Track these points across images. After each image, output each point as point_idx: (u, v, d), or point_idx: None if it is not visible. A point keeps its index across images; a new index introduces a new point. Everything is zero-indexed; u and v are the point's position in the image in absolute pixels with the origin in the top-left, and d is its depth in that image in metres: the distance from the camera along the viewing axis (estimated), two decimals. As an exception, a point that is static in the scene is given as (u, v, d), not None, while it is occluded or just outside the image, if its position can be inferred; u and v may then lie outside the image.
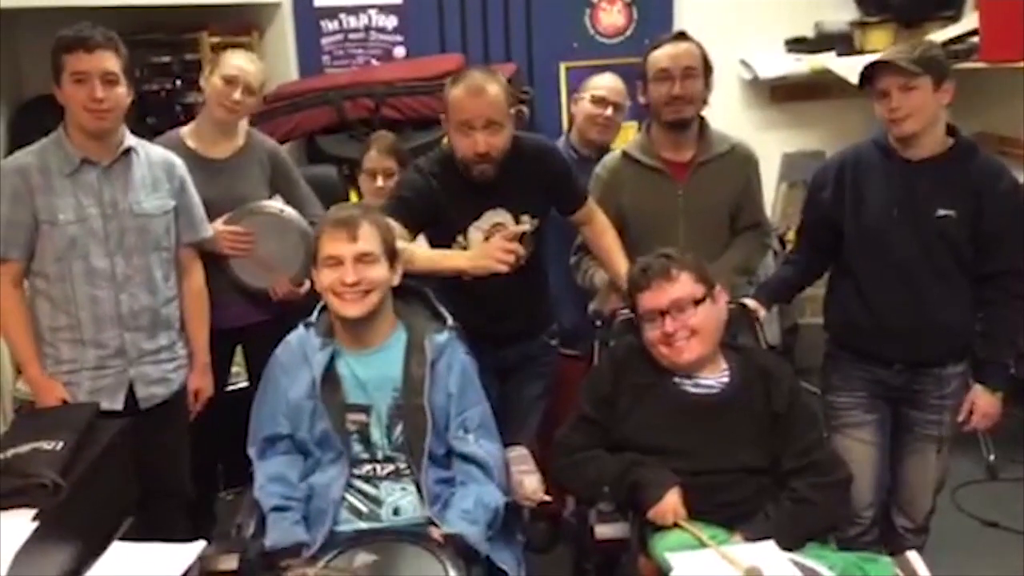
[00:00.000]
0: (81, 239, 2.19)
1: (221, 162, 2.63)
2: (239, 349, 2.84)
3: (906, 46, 2.19)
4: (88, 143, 2.20)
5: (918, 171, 2.20)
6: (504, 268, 2.11)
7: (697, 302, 2.03)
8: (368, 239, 1.98)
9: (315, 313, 2.13)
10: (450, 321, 2.12)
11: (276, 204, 2.72)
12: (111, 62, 2.15)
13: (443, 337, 2.07)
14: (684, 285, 2.03)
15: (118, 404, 2.26)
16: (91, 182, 2.20)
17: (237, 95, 2.57)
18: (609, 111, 2.88)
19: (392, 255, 2.03)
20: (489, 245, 2.17)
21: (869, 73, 2.15)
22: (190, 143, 2.62)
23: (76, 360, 2.24)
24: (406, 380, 2.01)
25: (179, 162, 2.39)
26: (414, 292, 2.18)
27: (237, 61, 2.61)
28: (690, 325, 2.01)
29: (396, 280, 2.05)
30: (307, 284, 2.71)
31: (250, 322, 2.69)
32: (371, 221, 2.01)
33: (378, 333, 2.05)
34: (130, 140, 2.28)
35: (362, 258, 1.96)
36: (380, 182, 2.74)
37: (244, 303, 2.69)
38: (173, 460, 2.42)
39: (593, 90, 2.93)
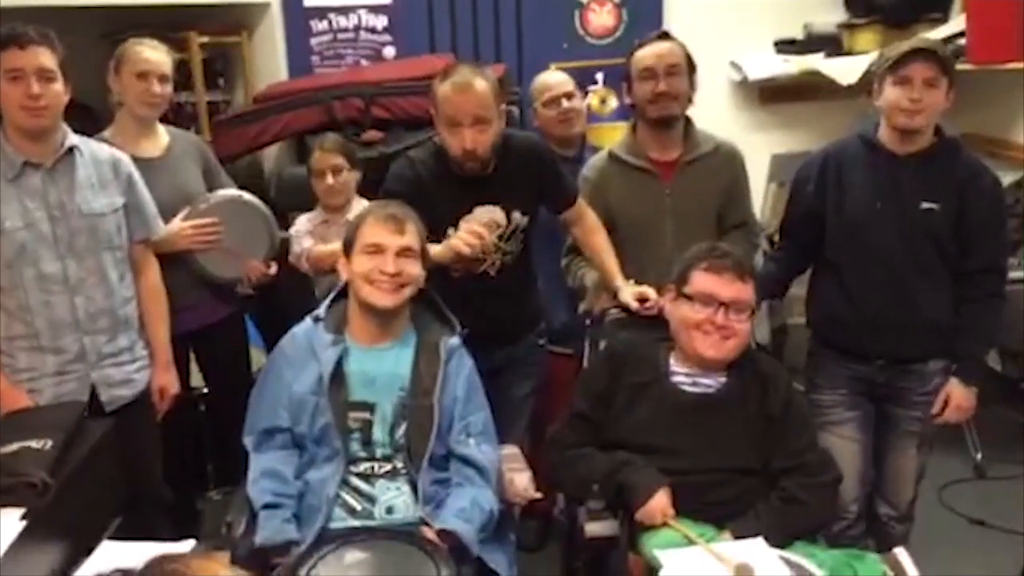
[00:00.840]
0: (30, 245, 2.11)
1: (156, 160, 2.57)
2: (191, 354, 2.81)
3: (932, 41, 2.18)
4: (28, 145, 2.12)
5: (903, 165, 2.22)
6: (467, 251, 2.12)
7: (751, 312, 2.04)
8: (412, 235, 2.02)
9: (324, 307, 2.13)
10: (459, 327, 2.13)
11: (232, 191, 2.72)
12: (46, 58, 2.08)
13: (455, 341, 2.09)
14: (750, 290, 2.03)
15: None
16: (35, 185, 2.13)
17: (156, 88, 2.53)
18: (564, 103, 2.90)
19: (425, 259, 2.06)
20: (460, 231, 2.17)
21: (902, 57, 2.14)
22: (117, 145, 2.46)
23: (35, 368, 2.18)
24: (415, 380, 2.02)
25: (125, 158, 2.32)
26: (423, 296, 2.18)
27: (145, 55, 2.54)
28: (735, 328, 2.00)
29: (421, 283, 2.07)
30: (275, 266, 2.72)
31: (204, 323, 2.66)
32: (414, 221, 2.05)
33: (395, 329, 2.07)
34: (72, 139, 2.20)
35: (404, 252, 2.00)
36: (330, 179, 2.75)
37: (207, 302, 2.67)
38: (144, 462, 2.36)
39: (539, 98, 2.95)
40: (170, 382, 2.44)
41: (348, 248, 2.06)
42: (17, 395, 2.16)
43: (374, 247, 2.00)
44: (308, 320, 2.11)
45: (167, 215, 2.50)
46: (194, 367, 2.86)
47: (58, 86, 2.11)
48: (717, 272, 2.02)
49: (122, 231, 2.29)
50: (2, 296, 2.14)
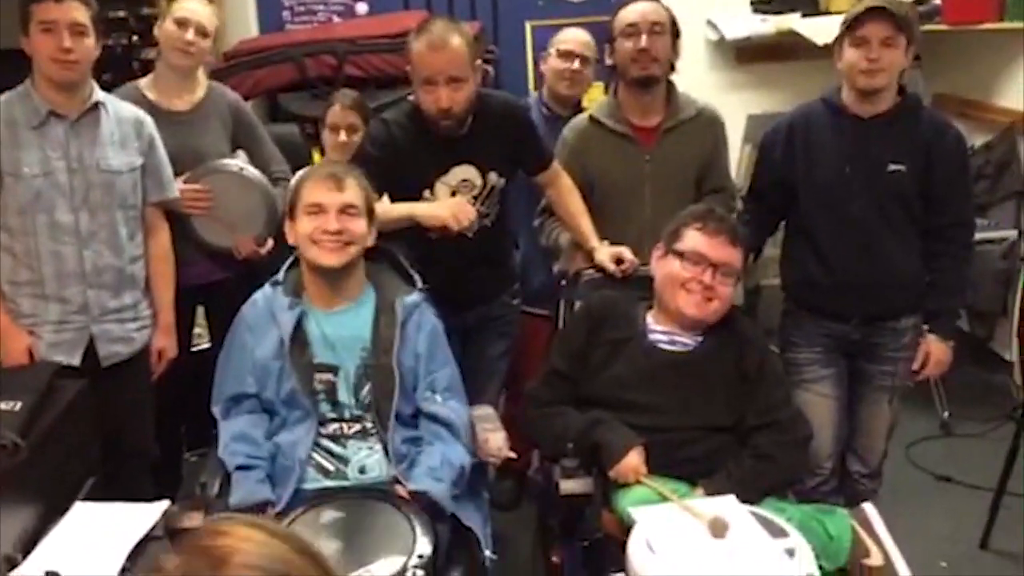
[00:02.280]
0: (46, 193, 2.15)
1: (181, 115, 2.58)
2: (201, 310, 2.82)
3: (890, 0, 2.19)
4: (55, 96, 2.17)
5: (868, 127, 2.23)
6: (455, 227, 2.12)
7: (737, 279, 2.05)
8: (353, 192, 1.99)
9: (282, 272, 2.11)
10: (420, 283, 2.12)
11: (236, 162, 2.67)
12: (80, 13, 2.12)
13: (413, 298, 2.07)
14: (739, 256, 2.05)
15: (75, 360, 2.23)
16: (58, 136, 2.17)
17: (190, 35, 2.51)
18: (576, 64, 2.86)
19: (371, 214, 2.03)
20: (452, 201, 2.16)
21: (857, 18, 2.14)
22: (150, 95, 2.56)
23: (37, 315, 2.21)
24: (375, 340, 2.01)
25: (148, 120, 2.35)
26: (383, 253, 2.17)
27: (186, 4, 2.55)
28: (720, 291, 2.01)
29: (371, 240, 2.05)
30: (269, 243, 2.69)
31: (213, 280, 2.66)
32: (355, 177, 2.02)
33: (349, 290, 2.05)
34: (99, 95, 2.24)
35: (346, 209, 1.97)
36: (343, 137, 2.72)
37: (204, 262, 2.65)
38: (136, 419, 2.40)
39: (559, 44, 2.91)
40: (170, 345, 2.46)
41: (292, 210, 2.03)
42: (18, 334, 2.20)
43: (315, 207, 1.97)
44: (267, 285, 2.10)
45: (174, 171, 2.48)
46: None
47: (89, 41, 2.16)
48: (711, 234, 2.03)
49: (137, 191, 2.32)
50: (12, 240, 2.18)
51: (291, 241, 2.05)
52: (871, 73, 2.15)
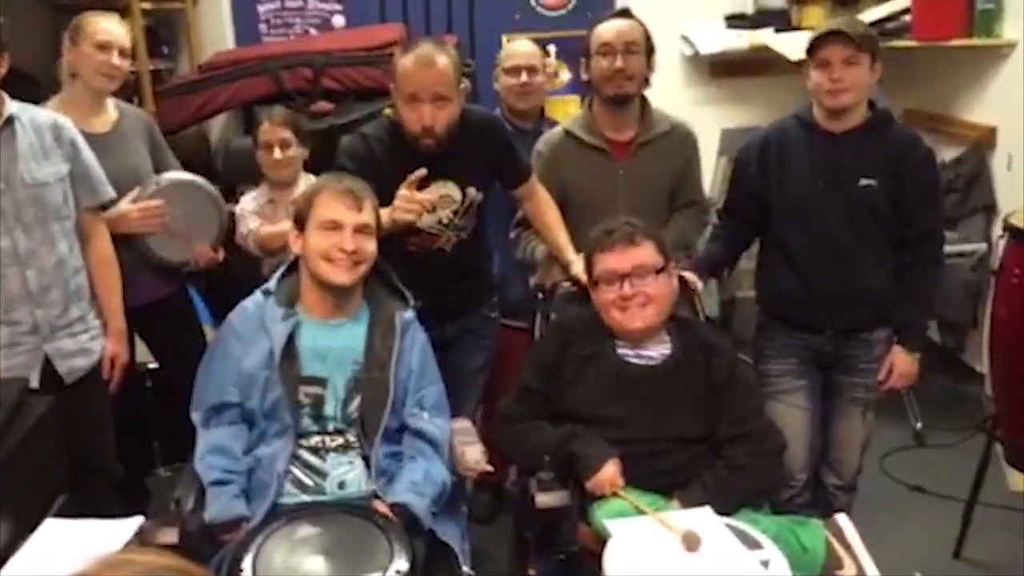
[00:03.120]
0: None
1: (103, 136, 2.50)
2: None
3: (848, 20, 2.24)
4: None
5: (840, 143, 2.27)
6: (410, 218, 2.11)
7: (657, 272, 2.05)
8: (369, 212, 2.01)
9: (274, 281, 2.10)
10: (412, 300, 2.12)
11: (184, 173, 2.66)
12: None
13: (409, 315, 2.08)
14: (647, 252, 2.06)
15: (34, 381, 2.17)
16: None
17: (116, 60, 2.47)
18: (524, 76, 2.88)
19: (379, 234, 2.04)
20: (395, 204, 2.14)
21: (816, 41, 2.19)
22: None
23: None
24: (368, 353, 2.01)
25: (67, 123, 2.25)
26: (375, 270, 2.16)
27: (106, 25, 2.48)
28: (647, 293, 2.03)
29: (375, 258, 2.06)
30: (222, 251, 2.69)
31: (145, 302, 2.61)
32: (371, 196, 2.03)
33: (350, 305, 2.05)
34: (11, 107, 2.14)
35: (362, 229, 1.98)
36: (278, 154, 2.71)
37: (154, 280, 2.63)
38: (97, 436, 2.35)
39: (504, 63, 2.93)
40: (122, 351, 2.40)
41: (301, 222, 2.02)
42: None
43: (332, 223, 1.97)
44: (258, 294, 2.08)
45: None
46: (141, 346, 2.81)
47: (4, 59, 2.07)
48: (609, 248, 2.06)
49: (69, 200, 2.24)
50: None
51: (296, 251, 2.04)
52: (835, 93, 2.19)
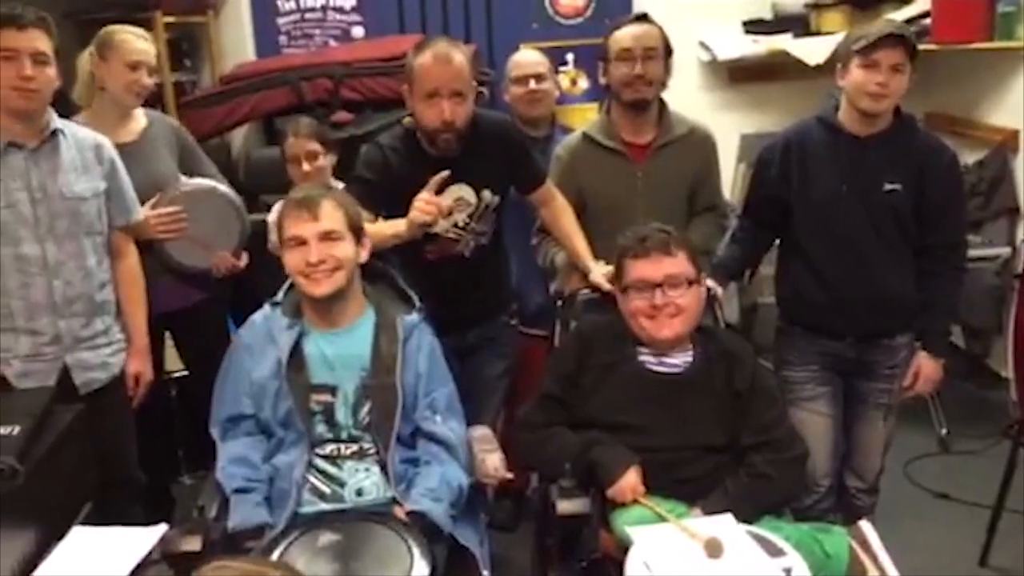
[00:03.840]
0: (10, 225, 2.11)
1: (130, 146, 2.53)
2: (168, 335, 2.80)
3: (899, 25, 2.19)
4: (14, 125, 2.12)
5: (864, 147, 2.25)
6: (426, 219, 2.11)
7: (689, 283, 2.05)
8: (330, 217, 1.97)
9: (280, 292, 2.12)
10: (418, 303, 2.12)
11: (206, 180, 2.68)
12: (42, 42, 2.09)
13: (414, 318, 2.08)
14: (681, 262, 2.05)
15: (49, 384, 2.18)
16: (18, 166, 2.12)
17: (146, 80, 2.52)
18: (532, 84, 2.89)
19: (358, 232, 2.03)
20: (414, 202, 2.14)
21: (874, 42, 2.13)
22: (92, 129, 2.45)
23: (9, 349, 2.17)
24: (375, 359, 2.01)
25: (107, 143, 2.31)
26: (381, 273, 2.18)
27: (139, 45, 2.53)
28: (678, 304, 2.02)
29: (364, 257, 2.05)
30: (245, 258, 2.70)
31: (182, 306, 2.65)
32: (333, 199, 2.01)
33: (347, 313, 2.05)
34: (57, 122, 2.20)
35: (326, 236, 1.96)
36: (306, 166, 2.72)
37: (178, 286, 2.64)
38: (118, 446, 2.36)
39: (511, 73, 2.95)
40: (145, 369, 2.43)
41: (280, 242, 2.03)
42: None
43: (295, 239, 1.97)
44: (267, 306, 2.10)
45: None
46: (170, 353, 2.85)
47: (51, 70, 2.12)
48: (643, 255, 2.05)
49: (102, 216, 2.28)
50: None
51: (287, 271, 2.05)
52: (878, 97, 2.16)
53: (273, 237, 2.69)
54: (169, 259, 2.59)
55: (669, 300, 2.02)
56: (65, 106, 2.43)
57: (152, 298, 2.47)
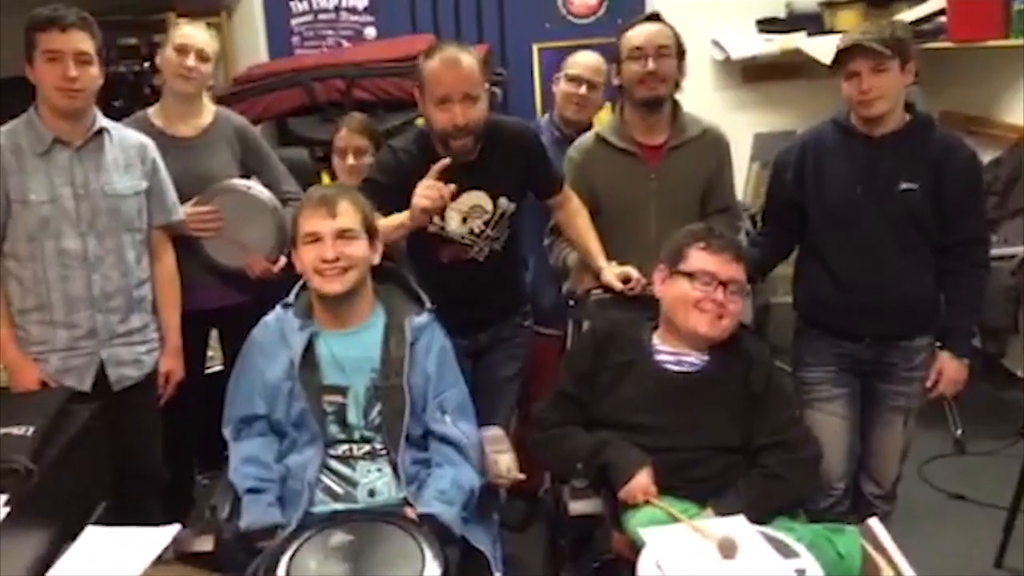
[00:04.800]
0: (53, 219, 2.18)
1: (188, 140, 2.61)
2: (215, 333, 2.83)
3: (874, 26, 2.20)
4: (59, 123, 2.20)
5: (879, 147, 2.23)
6: (428, 203, 2.09)
7: (744, 295, 2.06)
8: (347, 215, 1.98)
9: (293, 294, 2.13)
10: (428, 304, 2.12)
11: (243, 182, 2.69)
12: (85, 42, 2.15)
13: (423, 319, 2.08)
14: (743, 271, 2.06)
15: (86, 385, 2.25)
16: (63, 162, 2.20)
17: (191, 61, 2.56)
18: (583, 89, 2.89)
19: (372, 233, 2.03)
20: (417, 188, 2.12)
21: (841, 55, 2.17)
22: (157, 122, 2.61)
23: (47, 341, 2.23)
24: (385, 361, 2.01)
25: (151, 144, 2.38)
26: (392, 274, 2.18)
27: (186, 30, 2.61)
28: (730, 309, 2.03)
29: (376, 258, 2.05)
30: (282, 261, 2.70)
31: (226, 304, 2.67)
32: (350, 198, 2.02)
33: (358, 312, 2.05)
34: (102, 121, 2.27)
35: (342, 234, 1.97)
36: (352, 160, 2.73)
37: (220, 285, 2.67)
38: (146, 443, 2.41)
39: (568, 68, 2.94)
40: (177, 368, 2.47)
41: (295, 240, 2.04)
42: (30, 368, 2.22)
43: (311, 236, 1.98)
44: (279, 307, 2.11)
45: (183, 196, 2.51)
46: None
47: (94, 70, 2.19)
48: (716, 251, 2.04)
49: (143, 214, 2.34)
50: (20, 267, 2.20)
51: (298, 269, 2.06)
52: (867, 103, 2.17)
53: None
54: (207, 257, 2.62)
55: (727, 301, 2.02)
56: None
57: (193, 295, 2.51)
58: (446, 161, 2.14)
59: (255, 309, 2.75)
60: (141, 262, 2.35)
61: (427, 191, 2.10)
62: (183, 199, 2.51)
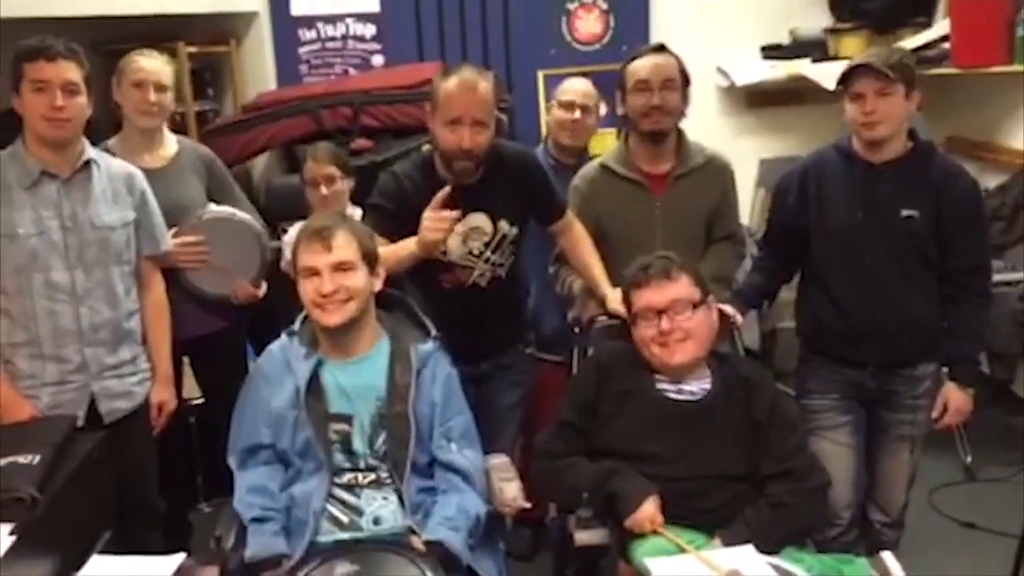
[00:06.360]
0: (41, 252, 2.14)
1: (157, 172, 2.55)
2: (186, 361, 2.80)
3: (881, 51, 2.22)
4: (47, 155, 2.16)
5: (881, 174, 2.24)
6: (439, 236, 2.10)
7: (695, 306, 2.05)
8: (344, 248, 1.98)
9: (298, 322, 2.13)
10: (434, 332, 2.12)
11: (227, 208, 2.69)
12: (73, 72, 2.12)
13: (428, 346, 2.08)
14: (683, 287, 2.06)
15: (80, 419, 2.19)
16: (50, 195, 2.16)
17: (152, 96, 2.53)
18: (577, 114, 2.91)
19: (372, 261, 2.03)
20: (423, 220, 2.13)
21: (847, 75, 2.18)
22: (117, 154, 2.49)
23: (35, 375, 2.19)
24: (390, 389, 2.01)
25: (138, 174, 2.35)
26: (397, 302, 2.18)
27: (140, 63, 2.55)
28: (685, 328, 2.02)
29: (378, 286, 2.05)
30: (264, 286, 2.71)
31: (198, 334, 2.66)
32: (347, 228, 2.01)
33: (361, 342, 2.05)
34: (90, 152, 2.24)
35: (339, 267, 1.97)
36: (324, 190, 2.77)
37: (199, 313, 2.65)
38: (140, 474, 2.38)
39: (560, 95, 2.97)
40: (169, 398, 2.45)
41: (295, 272, 2.03)
42: (21, 404, 2.18)
43: (308, 270, 1.98)
44: (284, 336, 2.11)
45: None
46: (187, 381, 2.85)
47: (81, 100, 2.16)
48: (645, 283, 2.07)
49: (131, 246, 2.32)
50: (8, 301, 2.17)
51: (302, 301, 2.05)
52: (870, 126, 2.18)
53: (288, 256, 2.72)
54: (191, 287, 2.61)
55: (675, 325, 2.02)
56: (91, 133, 2.48)
57: (173, 325, 2.48)
58: (447, 190, 2.15)
59: (229, 336, 2.78)
60: (130, 294, 2.32)
61: (437, 224, 2.10)
62: None
